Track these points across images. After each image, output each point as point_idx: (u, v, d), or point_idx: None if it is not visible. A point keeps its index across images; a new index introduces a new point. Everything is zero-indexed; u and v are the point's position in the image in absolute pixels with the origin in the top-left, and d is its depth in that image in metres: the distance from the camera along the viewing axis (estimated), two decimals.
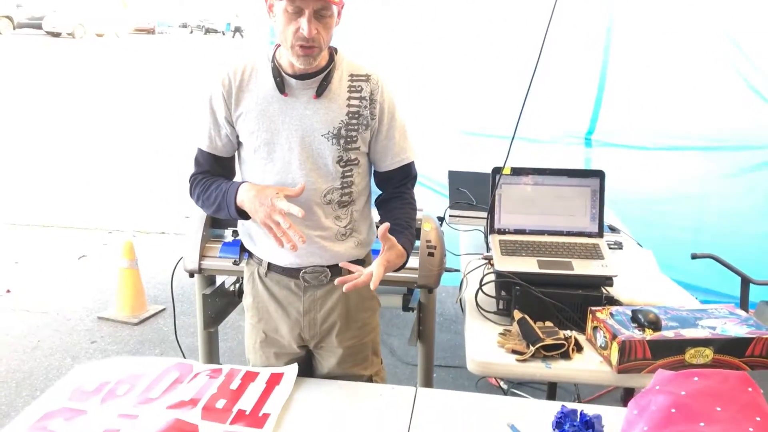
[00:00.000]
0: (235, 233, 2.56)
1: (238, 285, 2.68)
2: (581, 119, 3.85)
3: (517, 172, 2.41)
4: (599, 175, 2.37)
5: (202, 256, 2.47)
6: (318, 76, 1.76)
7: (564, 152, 3.88)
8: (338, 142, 1.78)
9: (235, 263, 2.48)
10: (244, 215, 1.76)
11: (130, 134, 9.94)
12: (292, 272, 1.90)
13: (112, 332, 3.91)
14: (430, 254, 2.39)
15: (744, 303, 2.85)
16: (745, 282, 2.89)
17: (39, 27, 29.71)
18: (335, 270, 1.88)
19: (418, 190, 2.04)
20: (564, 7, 3.59)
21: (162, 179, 7.45)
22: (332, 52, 1.81)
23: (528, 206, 2.39)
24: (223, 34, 39.06)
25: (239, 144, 1.85)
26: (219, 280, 2.68)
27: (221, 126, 1.81)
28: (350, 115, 1.79)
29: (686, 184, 3.85)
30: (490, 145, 3.58)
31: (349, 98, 1.79)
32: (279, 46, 1.77)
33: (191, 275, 2.49)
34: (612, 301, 2.09)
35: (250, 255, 2.00)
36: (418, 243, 2.40)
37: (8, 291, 4.42)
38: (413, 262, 2.23)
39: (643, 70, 3.72)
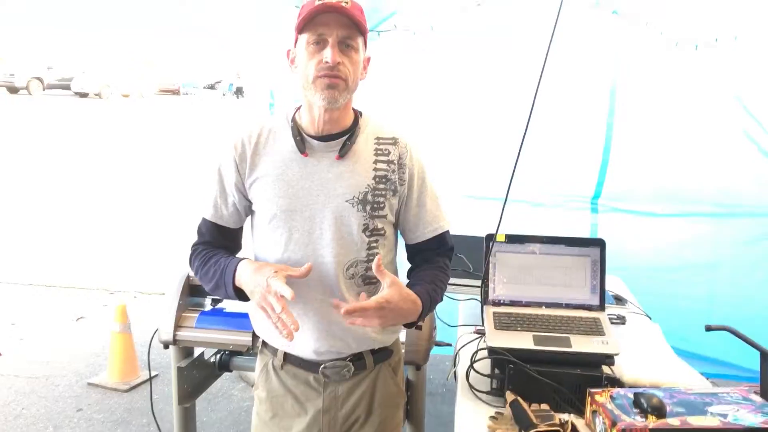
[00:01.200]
0: (215, 301, 2.44)
1: (219, 356, 2.53)
2: (587, 183, 3.75)
3: (512, 239, 2.29)
4: (600, 244, 2.24)
5: (177, 326, 2.34)
6: (341, 137, 1.65)
7: (569, 217, 3.76)
8: (364, 209, 1.63)
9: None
10: (243, 296, 1.61)
11: (138, 194, 9.95)
12: (310, 365, 1.72)
13: (100, 399, 3.76)
14: (418, 327, 2.24)
15: (764, 379, 2.67)
16: (765, 356, 2.70)
17: (68, 88, 30.64)
18: (359, 364, 1.73)
19: None
20: (567, 69, 3.56)
21: (166, 239, 7.39)
22: (357, 115, 1.72)
23: (524, 276, 2.26)
24: (224, 94, 39.62)
25: (252, 213, 1.72)
26: (198, 349, 2.54)
27: (229, 194, 1.69)
28: (377, 179, 1.65)
29: (698, 252, 3.70)
30: (492, 209, 3.47)
31: (375, 161, 1.66)
32: (299, 108, 1.69)
33: (165, 346, 2.35)
34: (613, 382, 1.93)
35: (264, 343, 1.81)
36: None
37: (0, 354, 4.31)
38: (400, 336, 2.08)
39: (650, 133, 3.63)
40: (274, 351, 1.78)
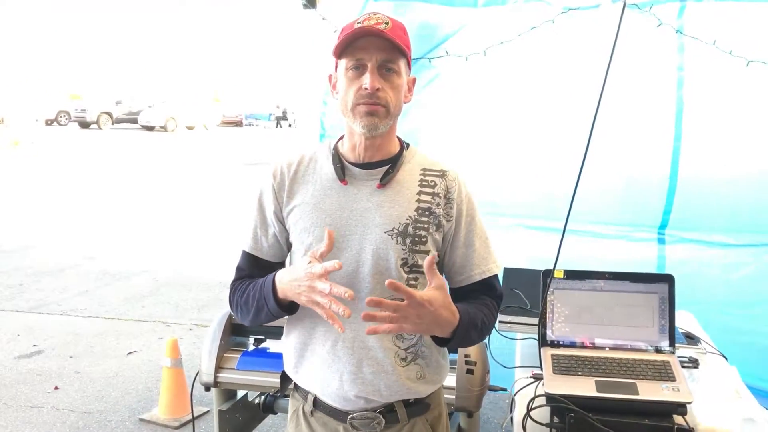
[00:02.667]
0: (258, 341, 2.34)
1: (263, 398, 2.42)
2: (653, 212, 3.51)
3: (571, 275, 2.14)
4: (668, 279, 2.07)
5: (218, 368, 2.24)
6: (384, 165, 1.57)
7: (633, 249, 3.51)
8: (404, 242, 1.52)
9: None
10: (289, 309, 1.53)
11: (197, 226, 10.07)
12: (339, 414, 1.60)
13: None
14: (470, 371, 2.09)
15: None
16: None
17: (135, 121, 31.93)
18: (391, 417, 1.58)
19: None
20: (630, 91, 3.37)
21: (224, 271, 7.41)
22: (403, 146, 1.63)
23: (585, 315, 2.11)
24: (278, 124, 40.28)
25: (289, 246, 1.64)
26: (242, 391, 2.44)
27: (269, 224, 1.63)
28: (420, 211, 1.55)
29: None
30: (553, 241, 3.30)
31: (419, 192, 1.57)
32: (341, 138, 1.62)
33: (207, 389, 2.26)
34: None
35: (296, 387, 1.70)
36: (454, 356, 2.10)
37: (56, 388, 4.33)
38: (450, 380, 1.94)
39: (720, 158, 3.37)
40: (305, 396, 1.67)
